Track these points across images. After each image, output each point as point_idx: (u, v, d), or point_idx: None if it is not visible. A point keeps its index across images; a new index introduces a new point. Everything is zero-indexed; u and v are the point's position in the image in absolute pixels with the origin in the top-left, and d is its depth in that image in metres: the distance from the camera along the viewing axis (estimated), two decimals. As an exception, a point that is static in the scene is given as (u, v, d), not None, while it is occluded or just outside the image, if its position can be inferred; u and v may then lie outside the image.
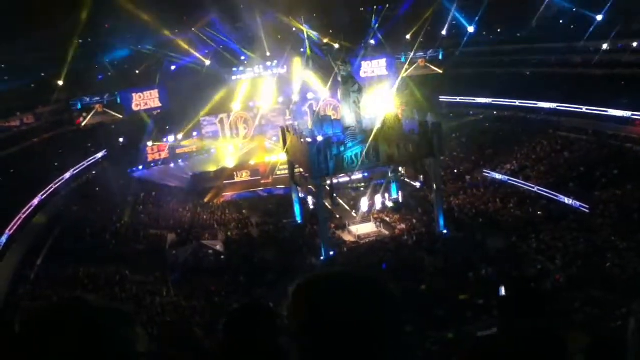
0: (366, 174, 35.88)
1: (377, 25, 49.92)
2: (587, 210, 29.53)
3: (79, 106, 44.31)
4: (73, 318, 1.61)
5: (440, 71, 50.75)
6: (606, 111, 35.63)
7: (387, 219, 35.34)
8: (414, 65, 51.16)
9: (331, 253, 30.66)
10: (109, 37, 42.86)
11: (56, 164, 37.18)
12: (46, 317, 1.64)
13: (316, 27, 48.53)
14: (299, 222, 36.16)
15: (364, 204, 35.20)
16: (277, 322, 2.60)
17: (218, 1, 43.81)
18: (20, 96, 38.97)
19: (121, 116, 46.05)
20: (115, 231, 33.41)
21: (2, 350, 1.98)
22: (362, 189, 36.59)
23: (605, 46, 39.87)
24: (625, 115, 34.53)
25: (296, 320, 1.56)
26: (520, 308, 2.93)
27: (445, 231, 31.75)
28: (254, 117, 51.15)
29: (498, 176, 37.62)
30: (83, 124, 44.11)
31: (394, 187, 36.04)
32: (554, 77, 41.68)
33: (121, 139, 45.83)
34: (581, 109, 37.56)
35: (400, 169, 36.10)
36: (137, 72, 46.52)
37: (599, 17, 39.59)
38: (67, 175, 36.81)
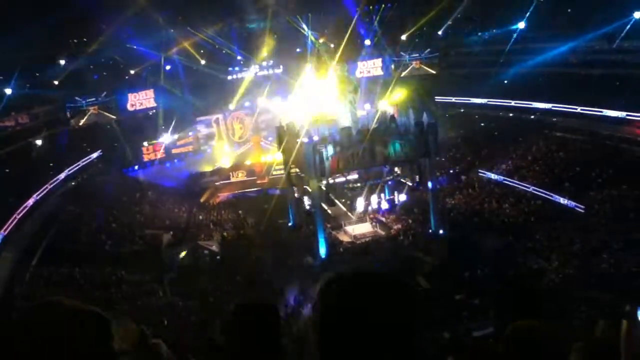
0: (362, 174, 35.85)
1: (375, 22, 49.80)
2: (582, 210, 29.63)
3: (83, 106, 44.23)
4: (46, 320, 1.67)
5: (434, 72, 50.78)
6: (601, 111, 35.72)
7: (383, 219, 35.37)
8: (410, 67, 51.19)
9: (327, 254, 30.69)
10: (105, 36, 42.64)
11: (51, 164, 37.06)
12: (21, 320, 1.70)
13: (313, 27, 48.49)
14: (295, 222, 36.15)
15: (360, 204, 35.20)
16: (278, 321, 2.59)
17: (214, 1, 43.78)
18: (15, 96, 38.75)
19: (114, 117, 45.93)
20: (110, 231, 33.33)
21: None
22: (358, 189, 36.55)
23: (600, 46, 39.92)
24: (620, 116, 34.62)
25: (324, 318, 1.62)
26: (516, 308, 2.94)
27: (441, 231, 31.80)
28: (250, 117, 51.12)
29: (494, 176, 37.72)
30: (77, 125, 43.96)
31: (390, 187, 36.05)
32: (549, 77, 41.70)
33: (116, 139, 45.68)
34: (576, 109, 37.65)
35: (396, 169, 36.10)
36: (132, 72, 46.36)
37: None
38: (62, 175, 36.70)
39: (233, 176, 46.04)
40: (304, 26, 47.90)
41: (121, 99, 46.26)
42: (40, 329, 1.64)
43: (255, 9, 45.04)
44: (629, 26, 35.24)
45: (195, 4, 43.73)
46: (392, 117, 32.98)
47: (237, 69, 50.28)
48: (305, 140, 30.82)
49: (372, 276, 1.71)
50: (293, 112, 42.29)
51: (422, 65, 51.19)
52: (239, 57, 49.88)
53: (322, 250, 30.65)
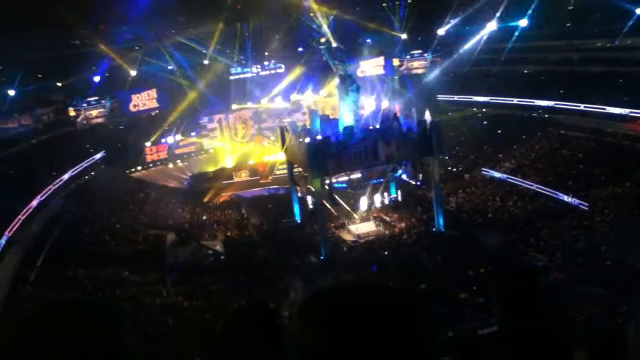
0: (365, 173, 35.94)
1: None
2: (586, 208, 29.57)
3: (82, 108, 44.28)
4: (69, 316, 1.70)
5: (436, 70, 50.74)
6: (604, 109, 35.62)
7: (387, 218, 35.34)
8: (412, 65, 51.19)
9: (330, 253, 30.68)
10: (106, 37, 42.70)
11: (55, 165, 37.09)
12: (43, 316, 1.72)
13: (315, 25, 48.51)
14: (298, 221, 36.15)
15: (363, 203, 35.19)
16: (279, 322, 2.58)
17: (216, 1, 43.83)
18: (18, 97, 38.85)
19: (117, 118, 46.02)
20: (114, 232, 33.38)
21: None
22: (361, 188, 36.56)
23: (602, 44, 39.85)
24: (623, 113, 34.52)
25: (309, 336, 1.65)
26: (521, 308, 2.92)
27: (444, 230, 31.77)
28: (253, 117, 51.19)
29: (497, 174, 37.69)
30: (81, 127, 44.05)
31: (393, 186, 36.02)
32: (552, 75, 41.68)
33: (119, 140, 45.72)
34: (579, 106, 37.55)
35: (399, 167, 36.10)
36: (134, 72, 46.38)
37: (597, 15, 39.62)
38: (66, 176, 36.75)
39: (236, 176, 46.08)
40: (314, 25, 47.78)
41: (124, 99, 46.36)
42: (61, 326, 1.67)
43: (256, 9, 45.04)
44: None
45: (198, 4, 43.80)
46: (395, 115, 32.95)
47: (239, 69, 50.34)
48: (308, 139, 30.83)
49: (353, 289, 1.74)
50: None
51: (425, 63, 51.19)
52: (241, 57, 49.98)
53: (326, 250, 30.64)
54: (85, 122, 44.35)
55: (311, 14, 47.34)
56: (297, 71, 49.56)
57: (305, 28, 47.91)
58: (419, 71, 51.01)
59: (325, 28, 46.24)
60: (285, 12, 46.82)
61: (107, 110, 45.41)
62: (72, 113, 44.07)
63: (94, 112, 44.85)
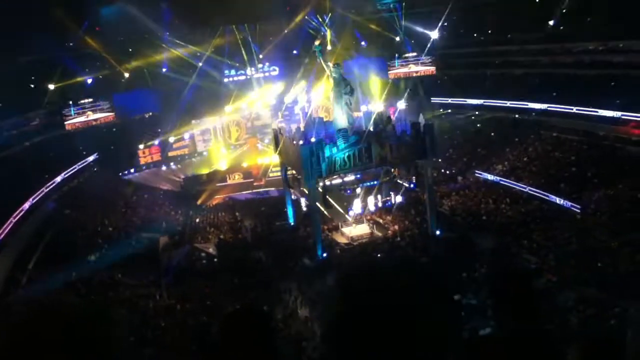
0: (359, 176, 35.96)
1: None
2: (578, 210, 29.70)
3: (72, 112, 44.06)
4: (55, 318, 1.71)
5: (430, 73, 50.89)
6: (597, 111, 35.76)
7: (380, 221, 35.34)
8: (407, 68, 51.32)
9: (324, 255, 30.64)
10: (100, 39, 42.58)
11: (47, 168, 36.91)
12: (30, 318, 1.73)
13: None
14: (292, 224, 36.12)
15: (357, 205, 35.16)
16: (272, 325, 2.59)
17: (212, 2, 43.78)
18: (11, 99, 38.64)
19: (111, 120, 45.87)
20: (107, 234, 33.23)
21: None
22: (355, 190, 36.54)
23: (595, 47, 40.04)
24: (615, 116, 34.65)
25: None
26: (515, 310, 2.93)
27: (438, 232, 31.82)
28: (246, 120, 51.15)
29: (490, 177, 37.79)
30: (73, 129, 43.88)
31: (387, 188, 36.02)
32: (544, 78, 41.83)
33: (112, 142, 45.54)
34: (571, 109, 37.68)
35: (392, 170, 36.12)
36: (127, 75, 46.24)
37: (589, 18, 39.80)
38: (59, 178, 36.57)
39: (230, 178, 46.04)
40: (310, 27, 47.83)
41: (117, 102, 46.21)
42: (45, 328, 1.70)
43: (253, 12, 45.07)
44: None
45: (195, 7, 43.77)
46: (389, 118, 33.00)
47: (233, 71, 50.29)
48: (302, 142, 30.82)
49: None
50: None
51: (419, 66, 51.31)
52: (235, 59, 49.95)
53: (320, 252, 30.61)
54: (78, 124, 44.16)
55: (306, 17, 47.47)
56: (292, 73, 49.61)
57: (301, 31, 47.98)
58: (422, 73, 51.13)
59: (321, 30, 46.36)
60: (285, 15, 46.93)
61: (99, 111, 45.33)
62: (64, 115, 43.88)
63: (87, 114, 44.67)
